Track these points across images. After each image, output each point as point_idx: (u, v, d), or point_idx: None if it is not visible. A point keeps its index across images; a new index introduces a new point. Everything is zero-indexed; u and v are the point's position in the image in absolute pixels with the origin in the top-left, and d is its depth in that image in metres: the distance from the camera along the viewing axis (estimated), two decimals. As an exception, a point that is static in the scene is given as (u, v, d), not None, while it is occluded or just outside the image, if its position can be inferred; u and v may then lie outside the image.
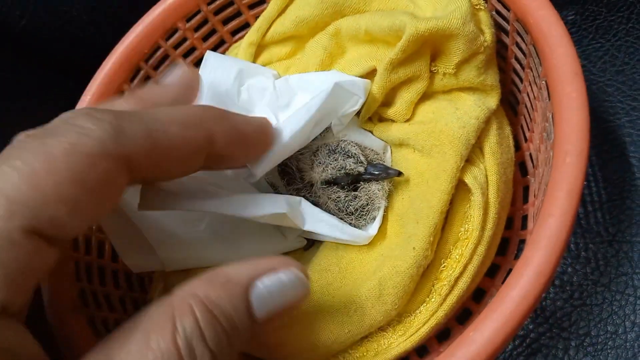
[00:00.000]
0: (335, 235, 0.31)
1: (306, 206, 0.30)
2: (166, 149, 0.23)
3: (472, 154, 0.31)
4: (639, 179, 0.33)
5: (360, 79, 0.32)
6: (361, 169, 0.30)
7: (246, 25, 0.42)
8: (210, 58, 0.35)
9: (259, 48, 0.39)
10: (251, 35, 0.38)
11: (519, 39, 0.32)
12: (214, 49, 0.43)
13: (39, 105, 0.43)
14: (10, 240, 0.19)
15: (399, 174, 0.30)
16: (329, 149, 0.31)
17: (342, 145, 0.31)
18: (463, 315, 0.33)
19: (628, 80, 0.36)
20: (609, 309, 0.32)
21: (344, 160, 0.30)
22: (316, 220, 0.30)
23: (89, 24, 0.44)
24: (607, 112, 0.36)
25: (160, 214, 0.33)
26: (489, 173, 0.31)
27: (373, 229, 0.31)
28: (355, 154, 0.30)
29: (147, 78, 0.41)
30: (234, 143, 0.26)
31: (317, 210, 0.31)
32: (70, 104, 0.38)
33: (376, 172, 0.30)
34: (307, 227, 0.30)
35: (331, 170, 0.30)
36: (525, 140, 0.35)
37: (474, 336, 0.23)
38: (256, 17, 0.40)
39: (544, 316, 0.32)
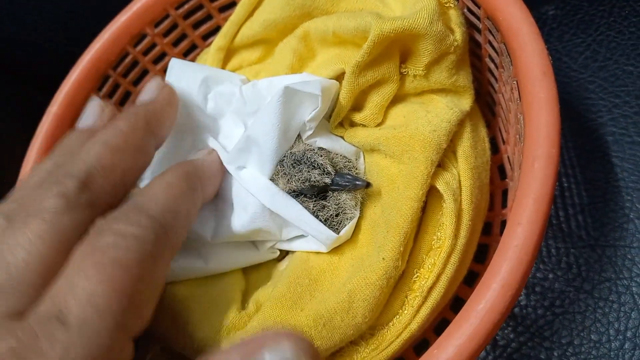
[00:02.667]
0: (301, 224, 0.29)
1: (277, 191, 0.29)
2: None
3: (445, 159, 0.30)
4: (621, 180, 0.32)
5: (318, 78, 0.31)
6: (327, 181, 0.29)
7: (218, 29, 0.41)
8: (175, 66, 0.34)
9: (229, 53, 0.37)
10: (219, 40, 0.37)
11: (491, 37, 0.31)
12: (186, 53, 0.42)
13: (3, 116, 0.42)
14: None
15: (368, 185, 0.29)
16: (294, 159, 0.29)
17: (308, 155, 0.29)
18: (442, 325, 0.32)
19: (610, 76, 0.35)
20: (592, 317, 0.30)
21: (308, 172, 0.29)
22: (283, 204, 0.29)
23: (57, 33, 0.43)
24: (589, 110, 0.34)
25: None
26: (462, 178, 0.30)
27: (341, 232, 0.30)
28: (322, 165, 0.29)
29: (116, 86, 0.40)
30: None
31: (286, 196, 0.29)
32: (37, 115, 0.37)
33: (343, 184, 0.29)
34: (276, 208, 0.29)
35: (295, 182, 0.29)
36: (504, 142, 0.33)
37: (438, 354, 0.22)
38: (227, 19, 0.39)
39: (525, 325, 0.31)
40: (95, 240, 0.21)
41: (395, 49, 0.30)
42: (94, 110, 0.29)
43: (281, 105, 0.28)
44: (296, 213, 0.30)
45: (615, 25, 0.36)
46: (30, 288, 0.21)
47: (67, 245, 0.22)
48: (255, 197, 0.30)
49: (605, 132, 0.33)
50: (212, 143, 0.33)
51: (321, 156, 0.30)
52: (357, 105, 0.32)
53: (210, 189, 0.30)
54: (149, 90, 0.30)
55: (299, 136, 0.32)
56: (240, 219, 0.30)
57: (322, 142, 0.32)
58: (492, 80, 0.33)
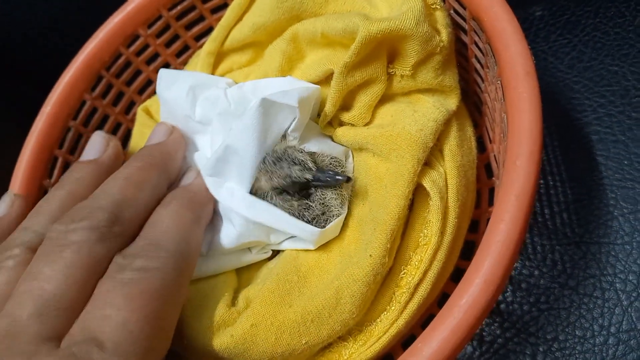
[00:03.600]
0: (283, 227, 0.30)
1: (254, 200, 0.30)
2: None
3: (432, 157, 0.31)
4: (606, 178, 0.32)
5: (297, 87, 0.31)
6: (309, 176, 0.29)
7: (210, 30, 0.42)
8: (163, 76, 0.34)
9: (219, 56, 0.38)
10: (209, 44, 0.37)
11: (477, 38, 0.31)
12: (179, 54, 0.42)
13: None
14: None
15: (348, 179, 0.29)
16: (276, 157, 0.30)
17: (289, 152, 0.30)
18: (430, 321, 0.32)
19: (595, 76, 0.35)
20: (576, 313, 0.31)
21: (289, 167, 0.29)
22: (262, 210, 0.30)
23: (52, 32, 0.44)
24: (574, 109, 0.35)
25: None
26: (448, 176, 0.30)
27: (326, 227, 0.30)
28: (302, 161, 0.29)
29: (109, 86, 0.40)
30: None
31: (264, 202, 0.30)
32: (32, 113, 0.38)
33: (324, 179, 0.29)
34: (255, 217, 0.30)
35: (277, 179, 0.29)
36: (490, 141, 0.34)
37: (422, 348, 0.22)
38: (220, 20, 0.40)
39: (510, 321, 0.32)
40: (121, 275, 0.23)
41: (383, 50, 0.31)
42: (99, 143, 0.32)
43: (259, 116, 0.29)
44: (277, 217, 0.30)
45: (600, 26, 0.37)
46: (65, 314, 0.22)
47: (97, 275, 0.24)
48: (235, 211, 0.30)
49: (590, 131, 0.34)
50: (200, 154, 0.34)
51: (302, 152, 0.30)
52: (346, 105, 0.33)
53: (209, 213, 0.31)
54: (158, 134, 0.33)
55: (283, 136, 0.32)
56: (230, 235, 0.31)
57: (311, 145, 0.32)
58: (479, 80, 0.33)
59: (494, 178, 0.34)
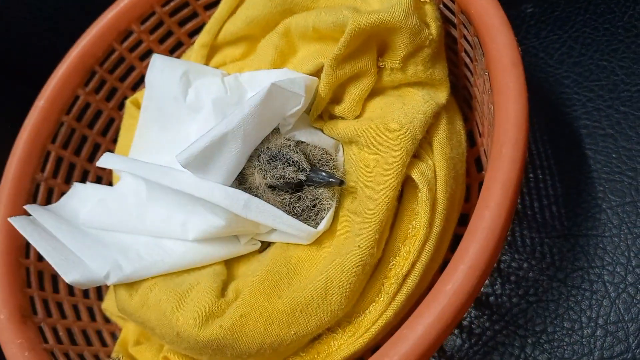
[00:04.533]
0: (280, 227, 0.30)
1: (251, 199, 0.30)
2: None
3: (421, 149, 0.31)
4: (595, 172, 0.33)
5: (303, 76, 0.31)
6: (302, 177, 0.29)
7: (203, 26, 0.42)
8: (156, 61, 0.35)
9: (212, 50, 0.38)
10: (203, 36, 0.38)
11: (465, 32, 0.31)
12: (172, 51, 0.43)
13: None
14: None
15: (341, 183, 0.29)
16: (270, 155, 0.30)
17: (284, 152, 0.30)
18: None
19: (585, 71, 0.35)
20: (565, 305, 0.31)
21: (283, 168, 0.29)
22: (260, 212, 0.30)
23: (44, 29, 0.44)
24: (564, 104, 0.35)
25: (111, 223, 0.33)
26: (437, 168, 0.30)
27: (319, 226, 0.30)
28: (297, 161, 0.29)
29: (102, 82, 0.40)
30: None
31: (262, 202, 0.30)
32: (23, 109, 0.38)
33: (318, 180, 0.30)
34: (251, 216, 0.30)
35: (271, 178, 0.30)
36: (480, 135, 0.34)
37: (407, 334, 0.23)
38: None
39: (499, 313, 0.32)
40: None
41: (373, 43, 0.31)
42: None
43: (265, 101, 0.29)
44: (273, 218, 0.30)
45: (590, 22, 0.37)
46: None
47: None
48: (226, 208, 0.30)
49: (579, 125, 0.34)
50: (188, 137, 0.34)
51: (297, 152, 0.30)
52: (336, 98, 0.33)
53: None
54: None
55: (277, 129, 0.32)
56: (216, 225, 0.31)
57: (302, 135, 0.33)
58: (468, 74, 0.34)
59: (483, 172, 0.34)
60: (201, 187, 0.30)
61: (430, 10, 0.31)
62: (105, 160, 0.32)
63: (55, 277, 0.36)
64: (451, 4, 0.31)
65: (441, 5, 0.33)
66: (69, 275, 0.30)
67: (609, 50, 0.36)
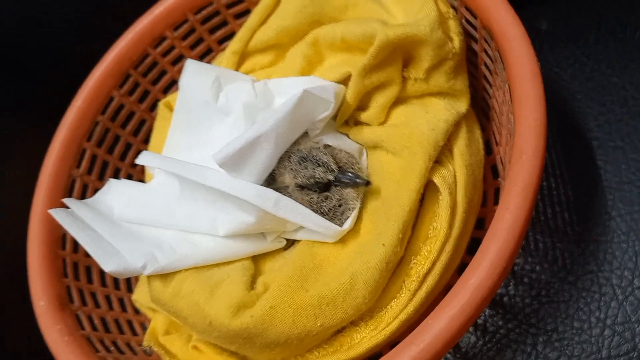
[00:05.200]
0: (307, 225, 0.32)
1: (281, 198, 0.32)
2: None
3: (442, 156, 0.33)
4: (605, 181, 0.35)
5: (332, 83, 0.33)
6: (331, 177, 0.31)
7: (232, 34, 0.44)
8: (190, 65, 0.37)
9: (243, 56, 0.40)
10: (234, 44, 0.39)
11: (486, 46, 0.33)
12: (202, 56, 0.45)
13: (16, 115, 0.45)
14: None
15: (367, 183, 0.31)
16: (301, 156, 0.32)
17: (314, 153, 0.32)
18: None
19: (597, 86, 0.37)
20: (575, 306, 0.33)
21: (313, 169, 0.31)
22: (289, 210, 0.31)
23: (68, 35, 0.46)
24: (577, 116, 0.37)
25: (144, 218, 0.35)
26: (457, 174, 0.32)
27: (345, 225, 0.32)
28: (326, 162, 0.31)
29: (136, 84, 0.42)
30: None
31: (291, 201, 0.32)
32: (52, 114, 0.40)
33: (345, 181, 0.32)
34: (281, 214, 0.31)
35: (301, 178, 0.31)
36: (497, 144, 0.36)
37: (432, 324, 0.24)
38: (242, 26, 0.42)
39: (513, 313, 0.34)
40: None
41: (398, 54, 0.33)
42: None
43: (296, 106, 0.31)
44: (302, 216, 0.32)
45: (602, 39, 0.39)
46: None
47: None
48: (257, 206, 0.31)
49: (591, 137, 0.36)
50: (218, 139, 0.36)
51: (326, 154, 0.32)
52: (362, 105, 0.35)
53: None
54: None
55: (306, 133, 0.34)
56: (247, 222, 0.33)
57: (328, 139, 0.35)
58: (487, 86, 0.36)
59: (499, 179, 0.36)
60: (234, 185, 0.32)
61: (453, 25, 0.33)
62: (143, 158, 0.34)
63: (89, 268, 0.38)
64: (473, 20, 0.33)
65: (463, 20, 0.34)
66: (107, 265, 0.32)
67: (620, 66, 0.38)
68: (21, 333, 0.38)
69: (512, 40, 0.29)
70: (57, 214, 0.34)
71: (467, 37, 0.35)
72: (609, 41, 0.39)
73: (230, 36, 0.44)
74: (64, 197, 0.38)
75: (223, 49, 0.44)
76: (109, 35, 0.41)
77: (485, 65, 0.35)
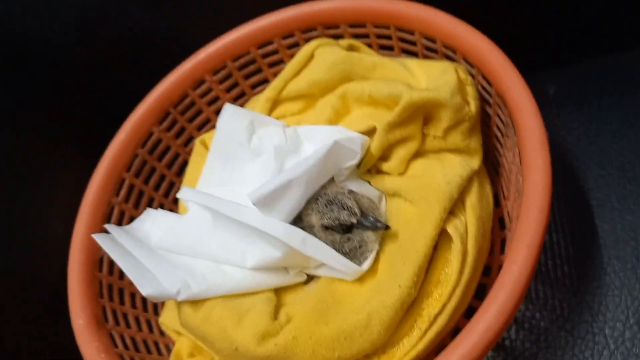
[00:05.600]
0: (330, 263, 0.35)
1: (308, 236, 0.35)
2: None
3: (455, 207, 0.36)
4: (602, 239, 0.38)
5: (359, 135, 0.37)
6: (354, 220, 0.35)
7: (265, 81, 0.48)
8: (228, 109, 0.41)
9: (275, 103, 0.44)
10: (269, 92, 0.43)
11: (499, 112, 0.37)
12: (235, 99, 0.48)
13: (71, 138, 0.49)
14: None
15: (386, 227, 0.34)
16: (328, 199, 0.35)
17: (340, 197, 0.35)
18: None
19: (598, 150, 0.41)
20: (570, 352, 0.36)
21: (339, 212, 0.35)
22: (314, 248, 0.35)
23: (124, 72, 0.50)
24: (579, 177, 0.40)
25: (179, 247, 0.38)
26: (468, 225, 0.35)
27: (363, 265, 0.35)
28: (350, 207, 0.35)
29: (174, 121, 0.46)
30: None
31: (316, 239, 0.35)
32: (99, 143, 0.44)
33: (367, 224, 0.35)
34: (307, 251, 0.34)
35: (327, 220, 0.35)
36: (505, 197, 0.39)
37: (443, 362, 0.27)
38: (274, 74, 0.46)
39: (513, 355, 0.36)
40: None
41: (420, 114, 0.37)
42: None
43: (326, 154, 0.34)
44: (326, 254, 0.35)
45: (604, 106, 0.43)
46: None
47: None
48: (286, 242, 0.35)
49: (590, 197, 0.39)
50: (246, 180, 0.40)
51: (350, 199, 0.36)
52: (384, 156, 0.38)
53: None
54: None
55: (332, 178, 0.38)
56: (273, 256, 0.36)
57: (352, 185, 0.38)
58: (498, 146, 0.39)
59: (506, 230, 0.39)
60: (265, 222, 0.35)
61: (470, 91, 0.37)
62: (184, 193, 0.38)
63: (121, 290, 0.41)
64: (489, 87, 0.37)
65: (479, 87, 0.38)
66: (145, 289, 0.35)
67: (620, 134, 0.42)
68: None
69: (523, 112, 0.33)
70: (99, 239, 0.37)
71: (483, 101, 0.39)
72: (610, 109, 0.43)
73: (262, 82, 0.48)
74: (103, 223, 0.41)
75: (255, 93, 0.48)
76: (155, 73, 0.45)
77: (497, 127, 0.38)
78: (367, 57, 0.41)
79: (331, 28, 0.44)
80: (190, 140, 0.48)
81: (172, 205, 0.47)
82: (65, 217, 0.42)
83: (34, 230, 0.43)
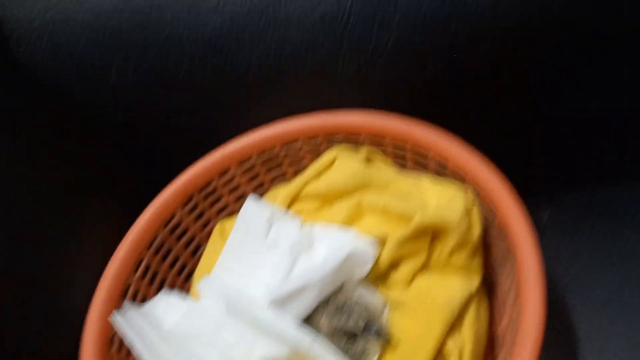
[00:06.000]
0: None
1: (315, 338, 0.37)
2: None
3: (455, 324, 0.39)
4: (586, 365, 0.41)
5: (371, 244, 0.40)
6: (360, 327, 0.37)
7: (283, 174, 0.52)
8: (251, 202, 0.44)
9: (293, 200, 0.47)
10: (289, 189, 0.47)
11: (500, 242, 0.40)
12: (255, 188, 0.52)
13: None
14: None
15: (389, 338, 0.37)
16: (337, 306, 0.38)
17: (348, 304, 0.38)
18: None
19: (584, 282, 0.45)
20: None
21: (347, 318, 0.37)
22: (321, 349, 0.37)
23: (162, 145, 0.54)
24: (566, 305, 0.44)
25: (192, 334, 0.40)
26: (466, 341, 0.38)
27: None
28: (357, 315, 0.38)
29: (195, 205, 0.49)
30: None
31: (323, 342, 0.37)
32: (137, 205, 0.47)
33: (371, 333, 0.38)
34: (314, 353, 0.37)
35: (335, 324, 0.37)
36: (499, 317, 0.42)
37: None
38: (294, 171, 0.50)
39: None
40: None
41: (429, 232, 0.40)
42: None
43: (341, 263, 0.37)
44: (330, 356, 0.37)
45: (597, 235, 0.47)
46: None
47: None
48: (294, 341, 0.37)
49: (574, 329, 0.43)
50: (263, 269, 0.43)
51: (358, 306, 0.39)
52: (392, 266, 0.41)
53: None
54: None
55: (342, 283, 0.40)
56: (281, 351, 0.38)
57: (360, 291, 0.41)
58: (496, 267, 0.42)
59: (498, 347, 0.42)
60: (279, 320, 0.38)
61: (476, 215, 0.41)
62: (203, 284, 0.40)
63: (129, 367, 0.42)
64: (492, 217, 0.41)
65: (485, 210, 0.42)
66: None
67: (609, 263, 0.45)
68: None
69: (524, 246, 0.36)
70: (118, 320, 0.40)
71: (487, 222, 0.42)
72: (599, 235, 0.47)
73: (282, 178, 0.52)
74: (121, 298, 0.43)
75: (274, 185, 0.51)
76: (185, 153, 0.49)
77: (498, 252, 0.42)
78: (383, 172, 0.44)
79: (353, 134, 0.48)
80: (207, 223, 0.51)
81: (184, 284, 0.49)
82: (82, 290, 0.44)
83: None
